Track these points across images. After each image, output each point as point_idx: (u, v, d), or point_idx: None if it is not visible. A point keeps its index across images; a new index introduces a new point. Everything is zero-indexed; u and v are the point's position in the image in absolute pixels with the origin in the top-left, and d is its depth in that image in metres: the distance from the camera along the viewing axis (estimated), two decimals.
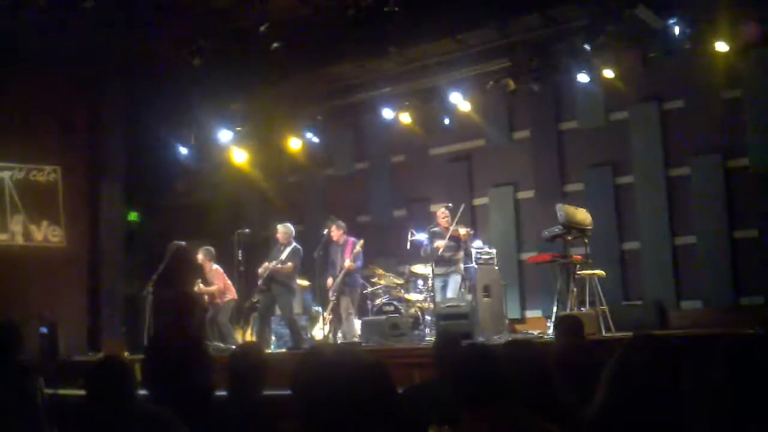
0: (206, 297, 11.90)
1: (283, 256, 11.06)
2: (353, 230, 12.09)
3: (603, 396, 2.47)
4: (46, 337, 11.35)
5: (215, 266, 11.98)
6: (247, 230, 12.07)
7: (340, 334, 11.40)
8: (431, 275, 10.93)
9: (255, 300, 11.84)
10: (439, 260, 10.83)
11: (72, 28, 11.84)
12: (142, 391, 4.53)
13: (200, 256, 12.02)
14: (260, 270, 11.16)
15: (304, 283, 12.37)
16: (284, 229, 11.40)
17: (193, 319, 5.62)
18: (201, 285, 11.87)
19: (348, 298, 11.35)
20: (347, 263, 11.20)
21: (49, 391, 5.92)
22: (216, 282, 11.84)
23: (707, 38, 10.26)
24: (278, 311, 11.53)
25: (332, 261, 11.48)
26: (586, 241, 10.14)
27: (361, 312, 12.04)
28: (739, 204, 11.10)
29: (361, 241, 11.26)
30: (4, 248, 12.78)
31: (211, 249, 12.13)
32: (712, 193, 11.23)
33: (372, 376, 2.56)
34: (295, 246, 11.22)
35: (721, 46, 10.21)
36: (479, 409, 3.01)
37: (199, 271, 12.00)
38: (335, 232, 11.47)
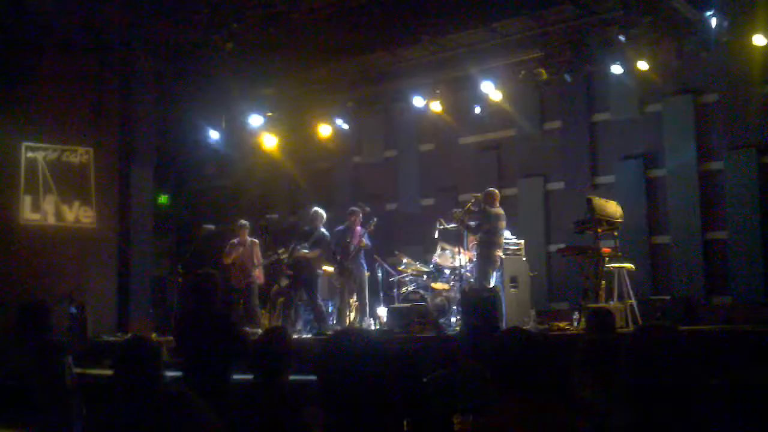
0: (236, 275, 11.80)
1: (310, 241, 11.11)
2: (381, 218, 12.05)
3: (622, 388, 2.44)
4: (76, 317, 11.47)
5: (250, 239, 11.94)
6: (275, 215, 12.09)
7: (367, 320, 11.42)
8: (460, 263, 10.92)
9: (282, 284, 11.88)
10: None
11: (105, 11, 11.93)
12: (171, 373, 4.57)
13: (245, 232, 11.92)
14: (285, 253, 11.20)
15: (330, 269, 12.36)
16: (313, 213, 11.41)
17: (217, 300, 5.63)
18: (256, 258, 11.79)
19: (347, 288, 11.32)
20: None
21: (78, 370, 5.99)
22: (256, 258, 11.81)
23: (744, 32, 10.11)
24: (305, 296, 11.55)
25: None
26: (616, 234, 10.05)
27: (387, 300, 12.05)
28: None
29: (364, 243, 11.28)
30: (37, 228, 12.92)
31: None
32: (745, 189, 11.08)
33: (398, 364, 2.55)
34: (321, 232, 11.23)
35: (759, 40, 10.05)
36: (514, 396, 2.97)
37: (236, 246, 11.90)
38: (358, 221, 11.46)
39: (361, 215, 11.43)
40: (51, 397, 4.91)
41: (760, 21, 9.99)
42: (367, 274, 11.73)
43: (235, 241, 11.82)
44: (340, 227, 11.45)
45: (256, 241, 11.88)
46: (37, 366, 4.99)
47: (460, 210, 10.83)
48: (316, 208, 11.48)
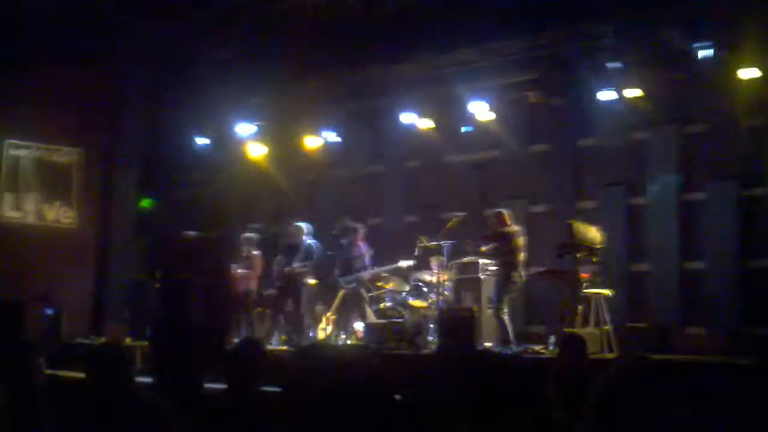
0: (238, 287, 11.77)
1: (300, 257, 11.24)
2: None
3: (591, 416, 2.43)
4: (51, 318, 11.39)
5: (254, 252, 12.00)
6: (257, 225, 12.11)
7: (341, 335, 11.42)
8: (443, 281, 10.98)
9: (266, 294, 11.88)
10: None
11: (97, 14, 11.91)
12: (144, 378, 4.53)
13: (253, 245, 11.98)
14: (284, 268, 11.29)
15: (311, 281, 12.34)
16: (295, 228, 11.52)
17: (191, 306, 5.57)
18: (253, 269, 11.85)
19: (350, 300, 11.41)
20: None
21: (50, 372, 5.94)
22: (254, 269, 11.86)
23: (734, 64, 10.19)
24: (287, 307, 11.58)
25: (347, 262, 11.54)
26: (595, 259, 10.08)
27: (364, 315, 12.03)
28: (752, 233, 11.01)
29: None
30: (16, 226, 12.85)
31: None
32: (725, 221, 11.14)
33: (369, 380, 2.54)
34: (308, 245, 11.33)
35: (747, 73, 10.14)
36: (487, 421, 2.96)
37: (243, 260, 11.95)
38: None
39: (364, 231, 11.56)
40: (20, 398, 4.85)
41: (749, 54, 10.08)
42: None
43: (244, 253, 11.91)
44: (344, 241, 11.52)
45: (257, 253, 11.92)
46: (8, 366, 4.94)
47: (470, 240, 10.88)
48: (297, 223, 11.59)
